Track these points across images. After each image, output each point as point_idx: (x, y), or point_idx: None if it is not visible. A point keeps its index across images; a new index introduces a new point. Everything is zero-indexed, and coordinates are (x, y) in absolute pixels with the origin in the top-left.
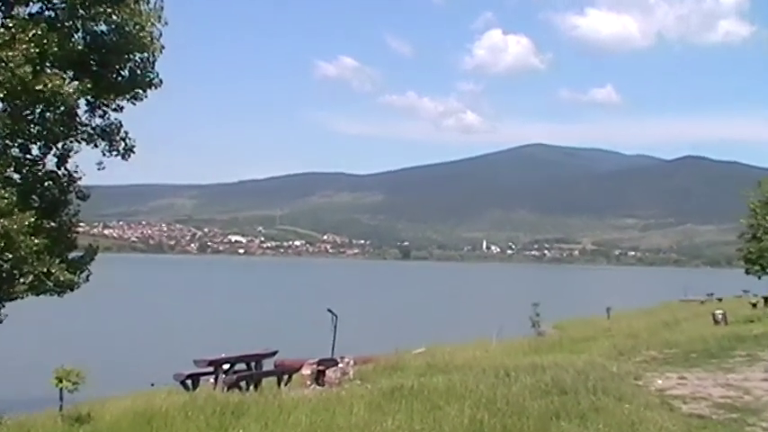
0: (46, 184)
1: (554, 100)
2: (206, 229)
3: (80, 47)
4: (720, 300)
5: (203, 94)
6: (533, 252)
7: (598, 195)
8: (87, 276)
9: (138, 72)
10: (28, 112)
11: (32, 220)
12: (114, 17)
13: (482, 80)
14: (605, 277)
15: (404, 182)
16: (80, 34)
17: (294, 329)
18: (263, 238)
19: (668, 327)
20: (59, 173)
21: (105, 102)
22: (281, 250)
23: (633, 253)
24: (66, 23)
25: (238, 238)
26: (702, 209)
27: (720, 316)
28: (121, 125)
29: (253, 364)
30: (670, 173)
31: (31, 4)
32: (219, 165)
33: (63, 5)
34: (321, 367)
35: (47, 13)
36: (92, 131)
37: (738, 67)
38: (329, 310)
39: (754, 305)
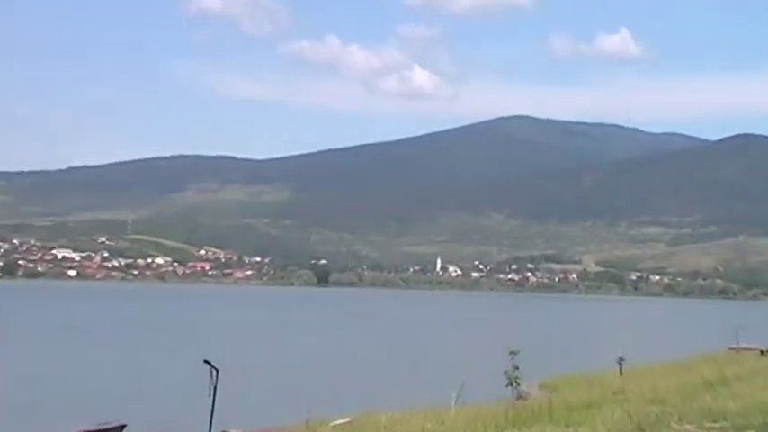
0: None
1: (544, 52)
2: (16, 241)
3: None
4: None
5: (13, 36)
6: (511, 275)
7: (607, 193)
8: None
9: None
10: None
11: None
12: None
13: (437, 21)
14: (616, 313)
15: (321, 171)
16: None
17: (152, 391)
18: (106, 254)
19: (711, 388)
20: None
21: None
22: (135, 272)
23: (658, 277)
24: None
25: (68, 253)
26: (762, 213)
27: None
28: None
29: None
30: (714, 160)
31: None
32: (39, 143)
33: None
34: None
35: None
36: None
37: None
38: (207, 362)
39: None
